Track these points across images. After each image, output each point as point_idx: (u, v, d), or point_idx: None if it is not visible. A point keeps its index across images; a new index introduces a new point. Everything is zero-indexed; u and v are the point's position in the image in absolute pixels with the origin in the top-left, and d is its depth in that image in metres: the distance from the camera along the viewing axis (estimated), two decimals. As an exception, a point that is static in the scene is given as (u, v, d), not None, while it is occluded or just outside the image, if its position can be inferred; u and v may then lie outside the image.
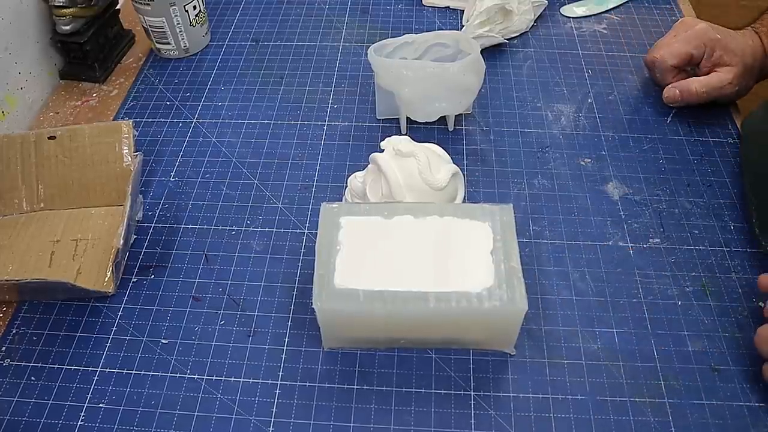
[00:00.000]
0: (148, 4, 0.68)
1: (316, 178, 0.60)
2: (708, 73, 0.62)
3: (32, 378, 0.47)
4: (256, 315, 0.50)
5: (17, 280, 0.48)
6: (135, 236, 0.55)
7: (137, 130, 0.64)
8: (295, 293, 0.51)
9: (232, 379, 0.46)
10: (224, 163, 0.61)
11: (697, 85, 0.61)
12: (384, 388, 0.45)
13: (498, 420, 0.44)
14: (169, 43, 0.72)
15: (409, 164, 0.49)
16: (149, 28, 0.71)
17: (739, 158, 0.59)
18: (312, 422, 0.44)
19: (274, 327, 0.49)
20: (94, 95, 0.70)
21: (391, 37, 0.61)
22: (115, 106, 0.68)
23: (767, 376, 0.43)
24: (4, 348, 0.49)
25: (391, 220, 0.46)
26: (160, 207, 0.58)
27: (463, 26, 0.73)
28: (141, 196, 0.58)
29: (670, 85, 0.63)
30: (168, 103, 0.68)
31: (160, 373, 0.47)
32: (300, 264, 0.53)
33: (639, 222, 0.55)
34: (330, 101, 0.67)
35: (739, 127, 0.63)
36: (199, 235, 0.56)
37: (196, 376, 0.47)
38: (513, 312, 0.42)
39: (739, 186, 0.57)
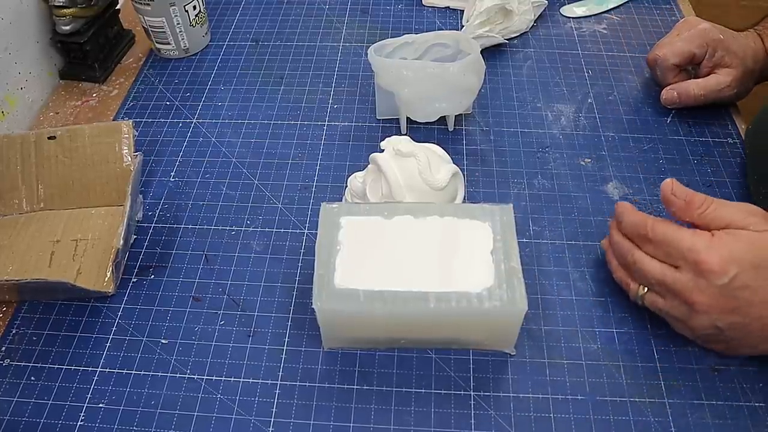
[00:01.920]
0: (148, 4, 0.68)
1: (316, 178, 0.60)
2: (708, 74, 0.61)
3: (32, 378, 0.47)
4: (256, 315, 0.50)
5: (17, 280, 0.48)
6: (135, 236, 0.55)
7: (137, 130, 0.64)
8: (295, 293, 0.51)
9: (232, 379, 0.46)
10: (224, 163, 0.61)
11: (695, 87, 0.61)
12: (384, 388, 0.45)
13: (498, 420, 0.44)
14: (169, 43, 0.72)
15: (409, 164, 0.49)
16: (149, 28, 0.71)
17: (746, 159, 0.59)
18: (312, 422, 0.44)
19: (274, 327, 0.49)
20: (94, 95, 0.70)
21: (391, 37, 0.61)
22: (115, 106, 0.68)
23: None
24: (4, 348, 0.49)
25: (391, 220, 0.46)
26: (160, 207, 0.58)
27: (463, 26, 0.73)
28: (141, 196, 0.58)
29: (668, 87, 0.63)
30: (168, 103, 0.68)
31: (160, 373, 0.47)
32: (300, 264, 0.53)
33: (639, 222, 0.55)
34: (330, 101, 0.67)
35: (738, 127, 0.63)
36: (199, 235, 0.56)
37: (196, 376, 0.47)
38: (513, 312, 0.42)
39: (739, 186, 0.57)
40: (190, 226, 0.56)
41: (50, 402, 0.46)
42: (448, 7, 0.78)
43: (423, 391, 0.45)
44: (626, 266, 0.47)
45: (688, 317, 0.43)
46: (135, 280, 0.52)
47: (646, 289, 0.45)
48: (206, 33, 0.74)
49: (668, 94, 0.62)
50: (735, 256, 0.40)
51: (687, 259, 0.42)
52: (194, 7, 0.70)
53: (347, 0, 0.80)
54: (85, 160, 0.57)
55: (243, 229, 0.56)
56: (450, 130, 0.63)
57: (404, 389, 0.45)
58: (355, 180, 0.53)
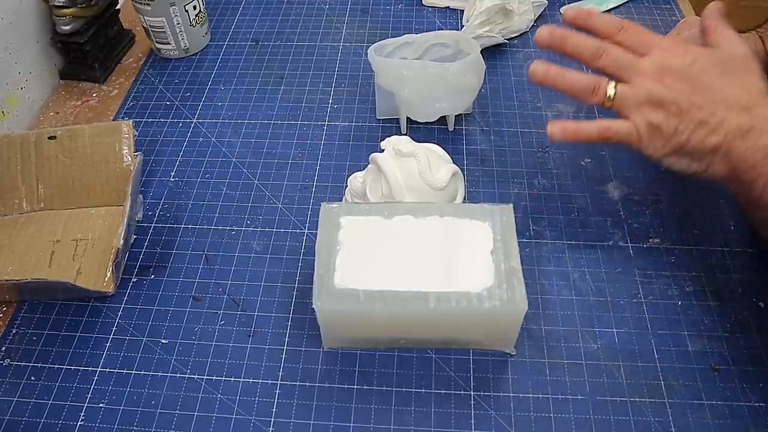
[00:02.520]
0: (148, 4, 0.68)
1: (316, 178, 0.60)
2: None
3: (32, 378, 0.47)
4: (256, 315, 0.50)
5: (17, 280, 0.48)
6: (135, 236, 0.55)
7: (137, 130, 0.64)
8: (295, 293, 0.51)
9: (232, 379, 0.46)
10: (224, 163, 0.61)
11: None
12: (384, 388, 0.45)
13: (498, 420, 0.44)
14: (169, 43, 0.72)
15: (409, 164, 0.49)
16: (149, 28, 0.71)
17: None
18: (312, 422, 0.44)
19: (274, 327, 0.49)
20: (94, 95, 0.70)
21: (391, 37, 0.61)
22: (115, 106, 0.68)
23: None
24: (4, 348, 0.49)
25: (391, 220, 0.46)
26: (160, 207, 0.58)
27: (463, 26, 0.73)
28: (141, 196, 0.58)
29: None
30: (168, 103, 0.68)
31: (160, 373, 0.47)
32: (300, 264, 0.53)
33: (639, 222, 0.55)
34: (330, 101, 0.67)
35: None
36: (199, 235, 0.56)
37: (196, 376, 0.47)
38: (513, 312, 0.42)
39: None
40: (190, 226, 0.56)
41: (50, 402, 0.46)
42: (448, 7, 0.78)
43: (423, 391, 0.45)
44: (591, 63, 0.47)
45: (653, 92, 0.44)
46: (135, 280, 0.52)
47: (615, 85, 0.46)
48: (206, 33, 0.74)
49: None
50: (698, 50, 0.46)
51: (658, 45, 0.45)
52: (194, 7, 0.70)
53: (347, 0, 0.80)
54: (85, 160, 0.57)
55: (243, 229, 0.56)
56: (450, 130, 0.63)
57: (404, 389, 0.45)
58: (355, 180, 0.53)
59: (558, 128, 0.47)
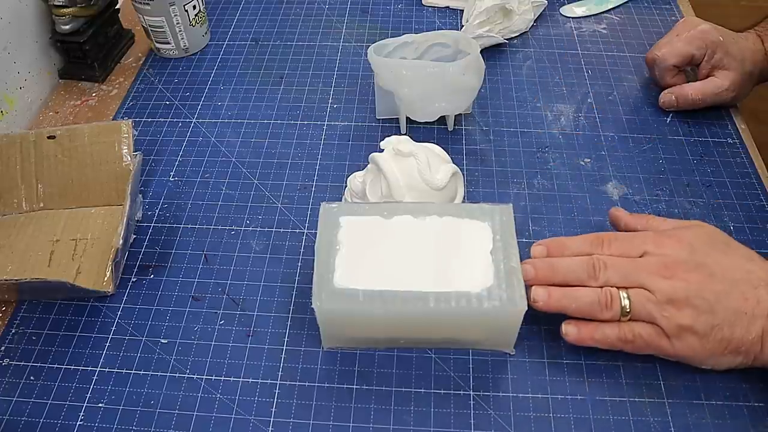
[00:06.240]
0: (147, 4, 0.68)
1: (315, 178, 0.60)
2: (707, 76, 0.62)
3: (31, 377, 0.47)
4: (256, 315, 0.50)
5: (16, 280, 0.48)
6: (134, 236, 0.55)
7: (137, 130, 0.64)
8: (294, 293, 0.51)
9: (232, 378, 0.46)
10: (224, 163, 0.61)
11: (692, 91, 0.61)
12: (383, 388, 0.45)
13: (497, 420, 0.44)
14: (168, 43, 0.72)
15: (409, 164, 0.49)
16: (149, 28, 0.71)
17: None
18: (311, 422, 0.44)
19: (273, 327, 0.49)
20: (94, 95, 0.70)
21: (391, 37, 0.61)
22: (115, 106, 0.68)
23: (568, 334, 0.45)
24: (3, 347, 0.49)
25: (391, 220, 0.46)
26: (159, 207, 0.58)
27: (463, 26, 0.73)
28: (140, 195, 0.58)
29: (666, 91, 0.63)
30: (168, 102, 0.68)
31: (159, 373, 0.47)
32: (300, 264, 0.53)
33: (639, 222, 0.55)
34: (330, 101, 0.67)
35: (738, 127, 0.63)
36: (198, 234, 0.55)
37: (195, 376, 0.46)
38: (513, 312, 0.42)
39: (739, 186, 0.57)
40: (189, 226, 0.56)
41: (49, 402, 0.46)
42: (448, 7, 0.78)
43: (422, 390, 0.45)
44: (590, 283, 0.43)
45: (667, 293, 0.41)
46: (134, 279, 0.52)
47: (626, 294, 0.42)
48: (206, 32, 0.74)
49: (666, 98, 0.63)
50: (685, 234, 0.44)
51: (646, 241, 0.43)
52: (194, 7, 0.70)
53: (347, 0, 0.80)
54: (84, 159, 0.57)
55: (242, 228, 0.56)
56: (450, 130, 0.63)
57: (403, 389, 0.45)
58: (355, 180, 0.53)
59: (572, 329, 0.44)
